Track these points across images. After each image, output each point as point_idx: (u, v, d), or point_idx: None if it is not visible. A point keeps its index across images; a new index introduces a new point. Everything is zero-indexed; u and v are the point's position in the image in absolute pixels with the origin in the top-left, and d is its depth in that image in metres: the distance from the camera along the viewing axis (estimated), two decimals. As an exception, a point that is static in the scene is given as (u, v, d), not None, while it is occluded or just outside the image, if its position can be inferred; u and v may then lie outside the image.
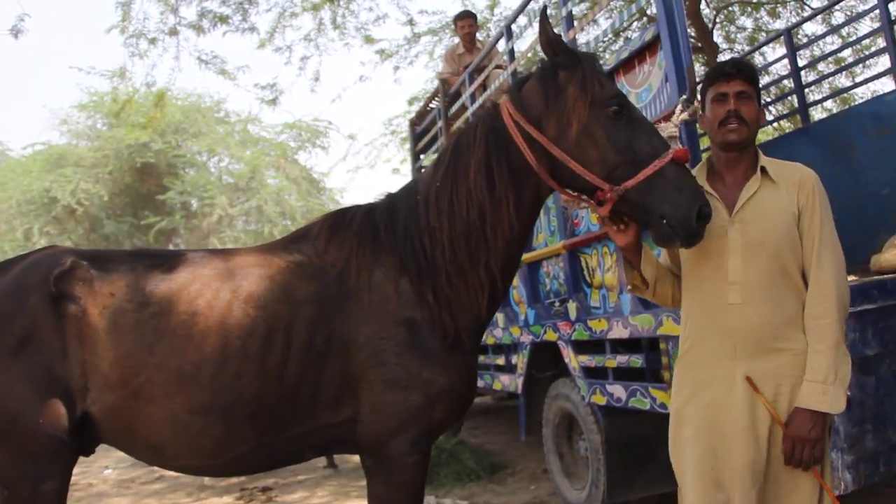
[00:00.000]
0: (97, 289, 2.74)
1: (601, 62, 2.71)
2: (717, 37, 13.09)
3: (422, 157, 8.82)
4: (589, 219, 4.57)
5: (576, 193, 2.65)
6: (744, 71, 2.53)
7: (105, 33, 12.35)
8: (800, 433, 2.31)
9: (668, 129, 3.29)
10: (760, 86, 2.68)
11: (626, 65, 4.22)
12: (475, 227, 2.69)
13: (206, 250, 3.08)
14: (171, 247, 23.23)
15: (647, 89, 4.05)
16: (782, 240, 2.43)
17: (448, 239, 2.71)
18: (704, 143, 7.56)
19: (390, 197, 3.01)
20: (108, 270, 2.81)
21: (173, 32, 11.32)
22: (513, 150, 2.65)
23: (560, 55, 2.62)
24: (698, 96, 2.76)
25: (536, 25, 8.38)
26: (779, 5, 12.92)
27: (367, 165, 23.47)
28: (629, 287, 2.75)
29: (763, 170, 2.52)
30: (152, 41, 11.33)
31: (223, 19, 11.54)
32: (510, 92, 2.76)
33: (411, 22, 13.65)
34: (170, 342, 2.67)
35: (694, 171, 2.66)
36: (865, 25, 10.31)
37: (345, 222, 2.93)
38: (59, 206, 20.18)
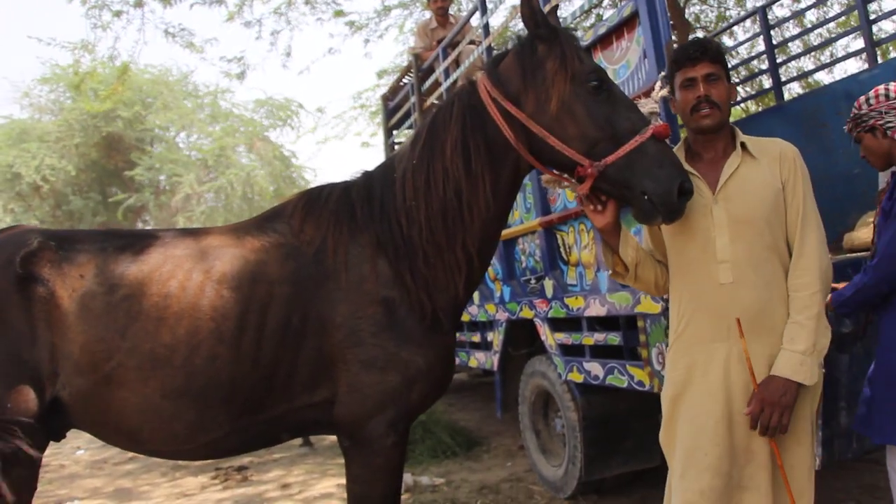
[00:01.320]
0: (66, 271, 2.67)
1: (579, 38, 2.71)
2: (688, 15, 13.10)
3: (395, 132, 8.74)
4: (565, 196, 4.55)
5: (557, 172, 2.61)
6: (709, 52, 2.49)
7: (67, 2, 12.05)
8: (771, 397, 2.29)
9: (648, 105, 3.25)
10: (732, 65, 2.67)
11: (604, 41, 4.18)
12: (452, 206, 2.66)
13: (177, 230, 3.04)
14: (139, 224, 22.93)
15: (624, 65, 4.01)
16: (768, 215, 2.41)
17: (425, 218, 2.69)
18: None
19: (366, 175, 2.97)
20: (77, 252, 2.74)
21: (138, 4, 11.07)
22: (490, 128, 2.61)
23: (541, 27, 2.57)
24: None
25: (509, 0, 8.23)
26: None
27: (336, 137, 23.25)
28: (610, 272, 2.72)
29: (743, 146, 2.51)
30: (116, 13, 11.08)
31: (190, -10, 11.32)
32: (487, 68, 2.72)
33: (382, -6, 13.49)
34: (142, 325, 2.62)
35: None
36: (839, 4, 10.38)
37: (320, 201, 2.89)
38: (23, 183, 19.80)
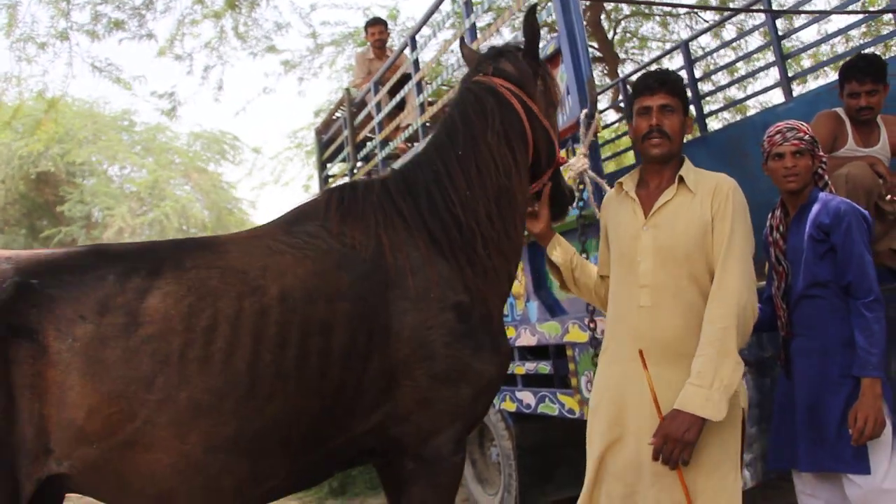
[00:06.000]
0: (60, 313, 2.10)
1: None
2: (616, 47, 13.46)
3: (329, 164, 8.75)
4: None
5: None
6: (667, 84, 2.55)
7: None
8: (675, 433, 2.26)
9: (579, 162, 3.34)
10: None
11: (530, 76, 4.27)
12: (505, 190, 2.62)
13: (191, 241, 2.52)
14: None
15: (550, 101, 4.11)
16: (690, 248, 2.45)
17: (483, 205, 2.58)
18: (606, 151, 7.71)
19: (397, 171, 2.76)
20: (70, 284, 2.15)
21: (64, 37, 10.87)
22: (517, 123, 2.70)
23: (534, 47, 2.82)
24: (598, 110, 2.85)
25: (440, 35, 8.36)
26: (671, 18, 13.37)
27: (273, 181, 22.70)
28: (559, 285, 2.94)
29: (681, 179, 2.55)
30: (41, 46, 10.87)
31: (118, 24, 11.17)
32: (501, 71, 2.79)
33: (314, 35, 13.57)
34: (176, 370, 2.13)
35: (624, 178, 2.74)
36: (756, 39, 10.81)
37: (356, 198, 2.59)
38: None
